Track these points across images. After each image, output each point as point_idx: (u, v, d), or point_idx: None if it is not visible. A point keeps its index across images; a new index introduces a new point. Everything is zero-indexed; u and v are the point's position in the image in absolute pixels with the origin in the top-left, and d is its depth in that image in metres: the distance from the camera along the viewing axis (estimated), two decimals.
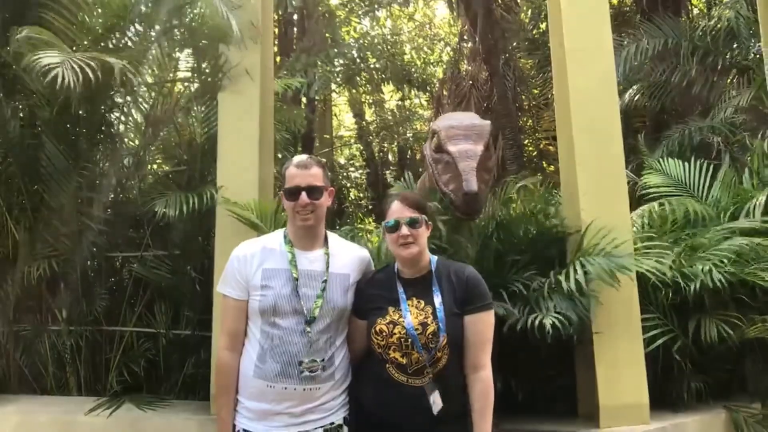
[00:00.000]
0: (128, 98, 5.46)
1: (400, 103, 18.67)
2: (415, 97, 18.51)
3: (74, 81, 3.95)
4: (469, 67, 13.86)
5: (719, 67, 8.28)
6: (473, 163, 3.73)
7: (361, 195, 17.33)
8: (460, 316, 2.67)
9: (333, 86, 14.59)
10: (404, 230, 2.69)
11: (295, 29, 13.37)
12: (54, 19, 4.52)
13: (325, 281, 2.74)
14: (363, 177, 17.90)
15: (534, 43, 12.33)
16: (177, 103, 5.56)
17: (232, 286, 2.76)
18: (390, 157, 18.59)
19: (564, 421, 3.92)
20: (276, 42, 11.98)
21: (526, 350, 3.93)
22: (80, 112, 4.87)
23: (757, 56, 7.89)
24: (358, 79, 15.27)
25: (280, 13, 12.46)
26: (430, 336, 2.61)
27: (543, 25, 12.05)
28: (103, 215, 5.10)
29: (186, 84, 5.60)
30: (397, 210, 2.74)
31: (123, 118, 5.60)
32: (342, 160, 19.07)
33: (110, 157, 5.37)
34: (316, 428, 2.70)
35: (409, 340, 2.60)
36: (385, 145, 18.38)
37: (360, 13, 14.93)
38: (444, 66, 16.61)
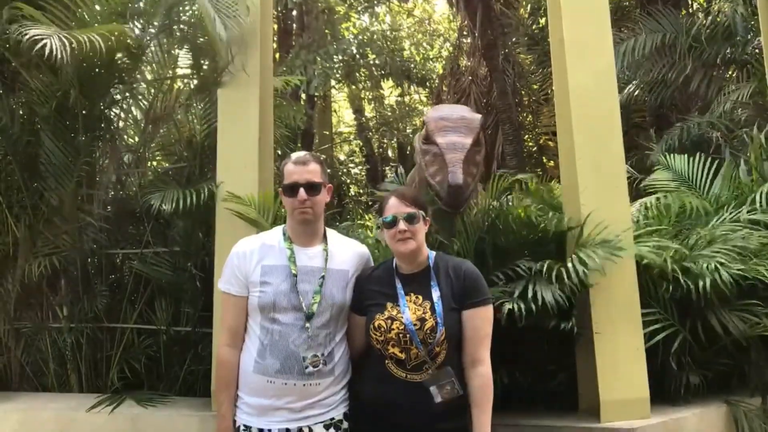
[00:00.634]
0: (127, 95, 5.47)
1: (399, 98, 18.67)
2: (415, 93, 18.53)
3: (63, 52, 3.96)
4: (469, 63, 13.87)
5: (718, 61, 8.28)
6: (460, 155, 3.73)
7: (361, 191, 17.34)
8: (458, 311, 2.68)
9: (332, 82, 14.59)
10: (402, 226, 2.70)
11: (294, 26, 13.35)
12: (52, 17, 4.51)
13: (323, 277, 2.75)
14: (363, 173, 17.91)
15: (533, 38, 12.33)
16: (177, 100, 5.56)
17: (232, 282, 2.78)
18: (390, 152, 18.60)
19: (565, 416, 3.92)
20: (275, 38, 11.97)
21: (527, 345, 3.94)
22: (79, 108, 4.86)
23: (756, 51, 7.89)
24: (357, 75, 15.26)
25: (279, 9, 12.45)
26: (428, 331, 2.62)
27: (542, 21, 12.05)
28: (103, 212, 5.11)
29: (186, 81, 5.60)
30: (394, 206, 2.75)
31: (122, 114, 5.60)
32: (342, 157, 19.08)
33: (110, 153, 5.37)
34: (316, 423, 2.71)
35: (408, 335, 2.62)
36: (385, 141, 18.40)
37: (359, 9, 14.90)
38: (443, 62, 16.60)
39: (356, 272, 2.89)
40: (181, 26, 5.06)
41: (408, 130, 17.11)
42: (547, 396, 4.07)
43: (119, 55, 4.81)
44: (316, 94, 11.57)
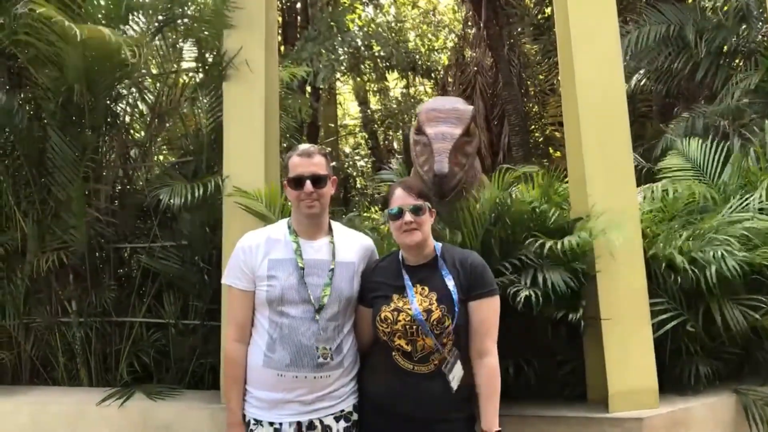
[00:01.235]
0: (133, 89, 5.47)
1: (404, 90, 18.63)
2: (420, 85, 18.47)
3: (78, 32, 4.02)
4: (474, 54, 13.81)
5: (725, 50, 8.23)
6: (448, 145, 3.76)
7: (367, 183, 17.33)
8: (464, 303, 2.68)
9: (338, 75, 14.56)
10: (408, 217, 2.69)
11: (299, 18, 13.32)
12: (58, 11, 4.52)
13: (332, 270, 2.75)
14: (368, 165, 17.89)
15: (539, 28, 12.27)
16: (182, 94, 5.57)
17: (238, 277, 2.78)
18: (395, 145, 18.56)
19: (573, 406, 3.92)
20: (280, 31, 11.95)
21: (535, 335, 3.94)
22: (85, 103, 4.87)
23: (765, 39, 7.84)
24: (362, 67, 15.22)
25: (284, 1, 12.43)
26: (435, 322, 2.61)
27: (548, 10, 11.98)
28: (111, 207, 5.12)
29: (191, 74, 5.60)
30: (400, 197, 2.74)
31: (128, 109, 5.61)
32: (347, 149, 19.06)
33: (116, 148, 5.38)
34: (326, 416, 2.72)
35: (414, 326, 2.61)
36: (390, 133, 18.36)
37: (364, 0, 14.86)
38: (449, 53, 16.55)
39: (362, 264, 2.89)
40: (185, 20, 5.05)
41: (414, 122, 17.03)
42: (555, 386, 4.07)
43: (124, 50, 4.80)
44: (321, 86, 11.53)
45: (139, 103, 5.63)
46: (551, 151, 13.72)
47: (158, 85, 5.56)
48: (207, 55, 5.06)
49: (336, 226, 2.94)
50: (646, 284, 3.91)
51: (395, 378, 2.68)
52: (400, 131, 17.83)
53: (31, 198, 5.01)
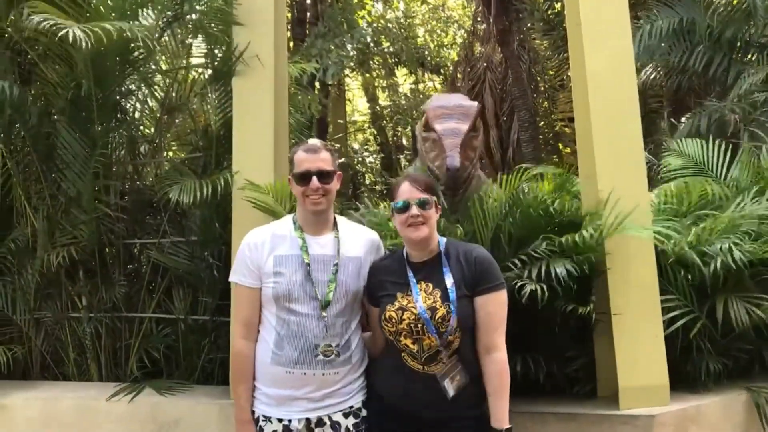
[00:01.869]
0: (142, 85, 5.48)
1: (413, 86, 18.59)
2: (429, 81, 18.43)
3: (85, 40, 4.02)
4: (484, 49, 13.76)
5: (738, 45, 8.15)
6: (457, 140, 3.92)
7: (376, 179, 17.31)
8: (471, 298, 2.63)
9: (347, 71, 14.55)
10: (414, 210, 2.64)
11: (308, 14, 13.31)
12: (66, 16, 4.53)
13: (336, 265, 2.74)
14: (377, 161, 17.88)
15: (549, 23, 12.19)
16: (191, 90, 5.57)
17: (245, 274, 2.77)
18: (404, 141, 18.53)
19: (584, 403, 3.91)
20: (289, 27, 11.94)
21: (545, 331, 3.92)
22: (95, 99, 4.88)
23: None
24: (371, 63, 15.20)
25: None
26: (440, 320, 2.57)
27: (558, 5, 11.91)
28: (120, 202, 5.13)
29: (200, 70, 5.60)
30: (407, 191, 2.69)
31: (138, 105, 5.62)
32: (356, 145, 19.05)
33: (126, 144, 5.39)
34: (335, 412, 2.71)
35: (419, 325, 2.58)
36: (399, 129, 18.33)
37: None
38: (458, 48, 16.50)
39: (369, 258, 2.86)
40: (194, 15, 5.05)
41: (421, 119, 16.99)
42: (565, 382, 4.05)
43: (132, 46, 4.81)
44: (331, 82, 11.53)
45: (148, 98, 5.64)
46: (561, 147, 13.66)
47: (167, 80, 5.57)
48: (216, 51, 5.06)
49: (341, 220, 2.93)
50: (657, 280, 3.89)
51: (405, 379, 2.65)
52: (409, 127, 17.81)
53: (42, 194, 5.03)
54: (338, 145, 15.38)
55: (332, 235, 2.83)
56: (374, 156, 18.35)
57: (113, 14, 4.76)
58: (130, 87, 5.45)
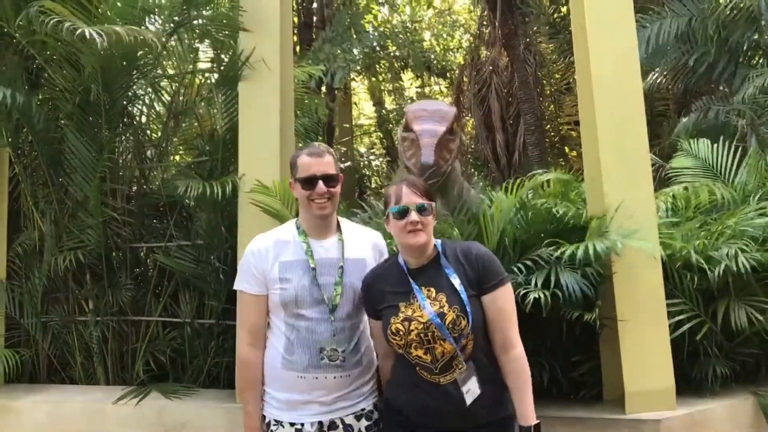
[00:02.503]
0: (149, 90, 5.51)
1: (419, 90, 18.59)
2: (435, 84, 18.43)
3: (99, 41, 4.06)
4: (489, 53, 13.74)
5: (744, 47, 8.13)
6: (433, 140, 4.05)
7: (382, 183, 17.30)
8: (477, 297, 2.53)
9: (353, 74, 14.56)
10: (414, 216, 2.53)
11: (315, 18, 13.35)
12: (73, 8, 4.55)
13: (341, 267, 2.73)
14: (383, 165, 17.88)
15: (555, 27, 12.17)
16: (198, 94, 5.59)
17: (250, 282, 2.74)
18: None
19: (590, 407, 3.90)
20: (295, 31, 11.97)
21: (552, 335, 3.92)
22: (102, 104, 4.90)
23: None
24: (377, 66, 15.20)
25: (299, 1, 12.45)
26: (451, 325, 2.46)
27: (564, 9, 11.90)
28: (127, 206, 5.15)
29: (206, 75, 5.62)
30: (405, 195, 2.56)
31: (145, 109, 5.64)
32: (362, 149, 19.06)
33: (132, 148, 5.41)
34: (347, 415, 2.69)
35: (429, 333, 2.46)
36: None
37: (379, 0, 14.85)
38: (464, 52, 16.50)
39: (373, 259, 2.83)
40: (201, 20, 5.07)
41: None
42: (572, 386, 4.04)
43: (140, 51, 4.84)
44: (337, 86, 11.54)
45: (155, 103, 5.67)
46: (567, 150, 13.64)
47: (174, 85, 5.59)
48: (222, 56, 5.08)
49: (344, 223, 2.90)
50: (663, 285, 3.88)
51: (424, 394, 2.52)
52: None
53: (49, 198, 5.06)
54: (344, 149, 15.40)
55: (336, 238, 2.81)
56: (380, 159, 18.35)
57: (120, 20, 4.79)
58: (137, 92, 5.48)
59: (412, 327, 2.48)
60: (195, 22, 5.09)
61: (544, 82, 13.72)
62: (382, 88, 17.94)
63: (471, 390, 2.48)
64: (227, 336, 4.65)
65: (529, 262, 3.77)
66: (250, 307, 2.77)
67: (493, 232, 3.85)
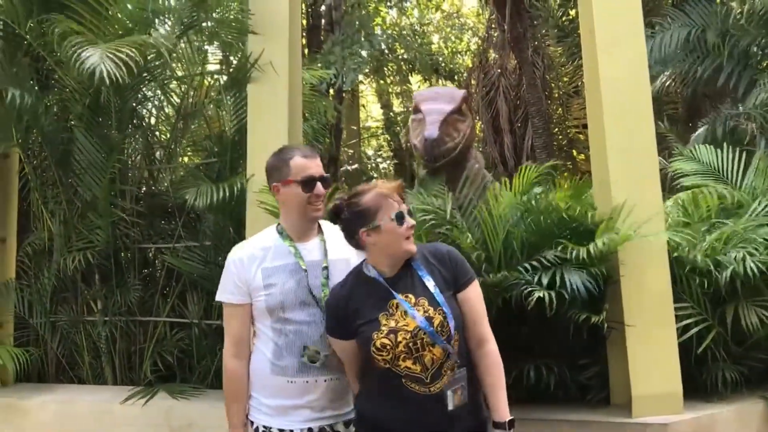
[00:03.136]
0: (158, 92, 5.53)
1: None
2: (443, 87, 18.41)
3: (116, 74, 4.07)
4: (498, 56, 13.73)
5: (754, 50, 8.09)
6: (439, 117, 4.19)
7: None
8: (454, 296, 2.47)
9: (361, 77, 14.57)
10: (411, 220, 2.45)
11: (323, 20, 13.37)
12: (84, 11, 4.58)
13: (326, 268, 2.69)
14: (390, 167, 17.88)
15: (563, 30, 12.14)
16: (207, 96, 5.61)
17: (232, 291, 2.67)
18: None
19: (597, 410, 3.89)
20: (304, 34, 11.99)
21: (558, 338, 3.91)
22: (112, 105, 4.93)
23: None
24: (385, 69, 15.20)
25: (308, 4, 12.47)
26: (439, 328, 2.38)
27: (573, 12, 11.88)
28: (136, 207, 5.18)
29: (215, 77, 5.65)
30: (398, 201, 2.45)
31: (154, 111, 5.67)
32: (370, 151, 19.07)
33: (141, 149, 5.44)
34: (337, 423, 2.65)
35: (418, 341, 2.36)
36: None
37: (389, 3, 14.87)
38: (472, 55, 16.49)
39: (358, 258, 2.76)
40: (210, 23, 5.10)
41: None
42: (578, 390, 4.03)
43: (149, 54, 4.86)
44: (345, 89, 11.55)
45: (164, 105, 5.69)
46: (575, 153, 13.61)
47: (183, 87, 5.62)
48: (231, 58, 5.10)
49: (325, 224, 2.83)
50: (671, 288, 3.87)
51: (410, 407, 2.39)
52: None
53: (58, 198, 5.09)
54: (351, 151, 15.41)
55: (318, 239, 2.75)
56: (387, 162, 18.35)
57: (130, 24, 4.82)
58: (146, 93, 5.51)
59: (399, 338, 2.36)
60: (204, 24, 5.12)
61: (552, 85, 13.70)
62: (390, 90, 17.94)
63: (462, 395, 2.41)
64: None
65: (535, 263, 3.77)
66: (234, 317, 2.69)
67: (498, 233, 3.85)
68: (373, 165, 17.95)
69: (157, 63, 5.06)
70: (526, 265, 3.76)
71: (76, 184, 5.07)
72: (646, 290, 3.82)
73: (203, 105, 5.56)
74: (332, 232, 2.73)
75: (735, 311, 3.92)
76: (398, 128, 17.87)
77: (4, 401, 4.61)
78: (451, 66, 16.40)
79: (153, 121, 5.74)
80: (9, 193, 5.18)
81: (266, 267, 2.63)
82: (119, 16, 4.86)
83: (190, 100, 5.54)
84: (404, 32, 14.75)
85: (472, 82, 14.19)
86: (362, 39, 11.15)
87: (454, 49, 17.38)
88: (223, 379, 2.73)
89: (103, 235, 4.94)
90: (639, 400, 3.74)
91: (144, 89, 5.44)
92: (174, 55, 5.23)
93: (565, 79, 13.55)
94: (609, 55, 4.10)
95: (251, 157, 4.45)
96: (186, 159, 6.02)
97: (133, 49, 4.22)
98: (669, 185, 6.03)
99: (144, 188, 5.51)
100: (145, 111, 5.68)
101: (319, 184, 2.66)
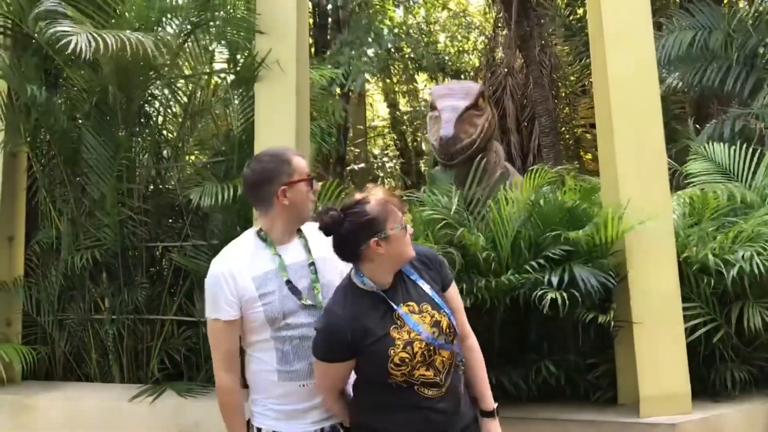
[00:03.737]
0: (166, 90, 5.54)
1: None
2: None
3: (86, 48, 4.10)
4: (504, 55, 13.71)
5: (759, 54, 8.05)
6: (454, 115, 4.20)
7: (396, 184, 17.29)
8: (443, 296, 2.49)
9: (367, 76, 14.56)
10: (411, 228, 2.47)
11: (330, 19, 13.38)
12: (92, 12, 4.59)
13: (312, 264, 2.63)
14: (397, 167, 17.87)
15: (571, 29, 12.13)
16: (214, 95, 5.62)
17: (224, 308, 2.55)
18: (423, 146, 18.51)
19: (604, 410, 3.88)
20: (311, 33, 11.99)
21: (567, 338, 3.90)
22: (119, 104, 4.94)
23: None
24: (392, 68, 15.19)
25: (315, 4, 12.48)
26: (448, 330, 2.38)
27: (580, 11, 11.86)
28: (143, 206, 5.19)
29: (222, 75, 5.65)
30: (398, 206, 2.41)
31: (161, 110, 5.68)
32: (376, 150, 19.07)
33: (149, 148, 5.45)
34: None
35: (431, 347, 2.33)
36: (419, 134, 18.31)
37: (395, 2, 14.86)
38: (479, 54, 16.47)
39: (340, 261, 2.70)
40: (217, 22, 5.10)
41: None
42: (586, 389, 4.02)
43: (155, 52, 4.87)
44: (351, 88, 11.55)
45: (171, 103, 5.70)
46: (582, 153, 13.58)
47: (190, 86, 5.62)
48: (238, 57, 5.10)
49: (304, 225, 2.74)
50: (679, 288, 3.85)
51: (425, 413, 2.35)
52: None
53: (66, 197, 5.10)
54: (358, 150, 15.41)
55: (297, 239, 2.72)
56: (394, 161, 18.34)
57: (137, 21, 4.82)
58: (153, 92, 5.52)
59: (415, 349, 2.32)
60: (211, 23, 5.12)
61: (559, 84, 13.67)
62: (396, 90, 17.94)
63: (464, 390, 2.48)
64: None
65: (542, 260, 3.77)
66: (224, 333, 2.59)
67: (507, 233, 3.85)
68: (380, 164, 17.93)
69: (164, 60, 5.05)
70: (533, 263, 3.75)
71: (83, 182, 5.08)
72: (654, 290, 3.81)
73: (210, 104, 5.56)
74: (312, 230, 2.62)
75: (743, 311, 3.90)
76: (404, 127, 17.86)
77: (12, 399, 4.62)
78: (458, 65, 16.37)
79: (160, 119, 5.74)
80: (17, 191, 5.20)
81: (256, 276, 2.54)
82: (127, 15, 4.86)
83: (198, 98, 5.55)
84: (411, 31, 14.73)
85: (479, 81, 14.17)
86: (370, 40, 11.14)
87: (460, 48, 17.36)
88: (219, 400, 2.64)
89: (110, 234, 4.95)
90: (647, 400, 3.73)
91: (151, 88, 5.44)
92: (181, 53, 5.24)
93: (572, 78, 13.51)
94: (617, 52, 4.08)
95: None
96: (193, 158, 6.03)
97: (129, 36, 4.25)
98: (678, 184, 6.00)
99: (151, 187, 5.52)
100: (152, 110, 5.68)
101: (315, 182, 2.65)
